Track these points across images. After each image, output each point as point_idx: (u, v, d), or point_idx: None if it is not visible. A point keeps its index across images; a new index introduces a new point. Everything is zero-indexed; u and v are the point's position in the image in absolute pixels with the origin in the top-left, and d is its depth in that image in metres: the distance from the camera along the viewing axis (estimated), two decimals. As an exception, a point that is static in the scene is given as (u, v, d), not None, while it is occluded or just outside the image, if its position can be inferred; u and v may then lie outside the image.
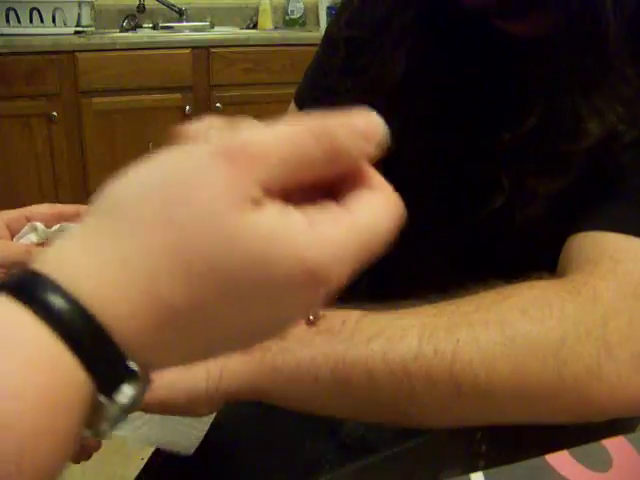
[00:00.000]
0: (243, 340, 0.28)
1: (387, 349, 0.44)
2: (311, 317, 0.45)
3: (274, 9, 2.91)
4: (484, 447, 0.58)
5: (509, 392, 0.43)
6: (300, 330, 0.45)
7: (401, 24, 0.62)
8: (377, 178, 0.28)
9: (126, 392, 0.24)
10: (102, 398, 0.23)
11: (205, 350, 0.27)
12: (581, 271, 0.47)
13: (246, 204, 0.24)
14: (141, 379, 0.24)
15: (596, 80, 0.49)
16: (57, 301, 0.22)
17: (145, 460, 0.76)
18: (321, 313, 0.45)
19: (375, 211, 0.26)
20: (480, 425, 0.54)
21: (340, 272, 0.25)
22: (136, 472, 0.76)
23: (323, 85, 0.75)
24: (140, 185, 0.25)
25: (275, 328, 0.28)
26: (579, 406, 0.44)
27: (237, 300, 0.24)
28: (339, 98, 0.69)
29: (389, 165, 0.71)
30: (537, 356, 0.42)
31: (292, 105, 0.80)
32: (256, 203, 0.24)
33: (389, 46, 0.63)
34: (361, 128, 0.26)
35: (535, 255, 0.47)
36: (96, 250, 0.24)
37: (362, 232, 0.26)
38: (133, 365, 0.24)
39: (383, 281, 0.68)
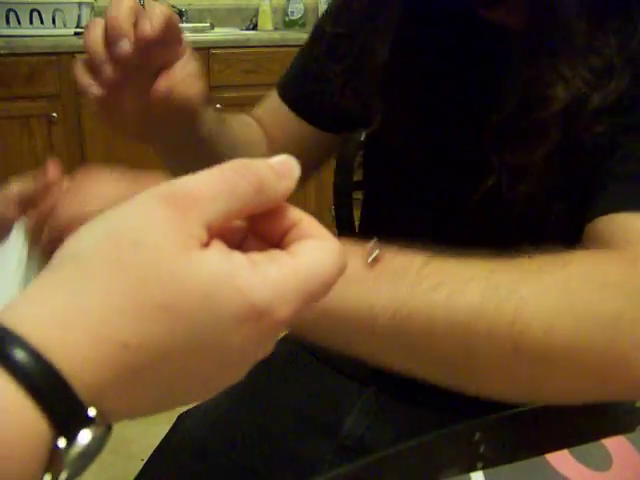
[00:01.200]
0: (205, 385, 0.30)
1: (450, 301, 0.43)
2: (371, 257, 0.44)
3: (274, 10, 2.91)
4: (483, 447, 0.58)
5: (564, 358, 0.42)
6: (361, 269, 0.44)
7: (386, 14, 0.64)
8: (322, 230, 0.29)
9: (85, 437, 0.25)
10: (61, 443, 0.24)
11: (167, 396, 0.28)
12: (628, 248, 0.47)
13: (192, 244, 0.25)
14: (100, 425, 0.26)
15: (560, 49, 0.53)
16: (19, 354, 0.23)
17: (145, 460, 0.76)
18: (383, 253, 0.44)
19: (318, 256, 0.28)
20: (520, 402, 0.56)
21: (284, 310, 0.26)
22: (136, 473, 0.76)
23: (309, 73, 0.75)
24: (93, 234, 0.27)
25: (234, 370, 0.30)
26: (628, 380, 0.44)
27: (190, 339, 0.26)
28: (325, 85, 0.70)
29: (379, 149, 0.71)
30: (595, 325, 0.42)
31: (274, 94, 0.80)
32: (201, 243, 0.26)
33: (375, 34, 0.65)
34: (278, 164, 0.29)
35: (529, 234, 0.47)
36: (52, 300, 0.25)
37: (304, 274, 0.27)
38: (92, 411, 0.25)
39: None
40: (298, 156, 0.31)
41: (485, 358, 0.44)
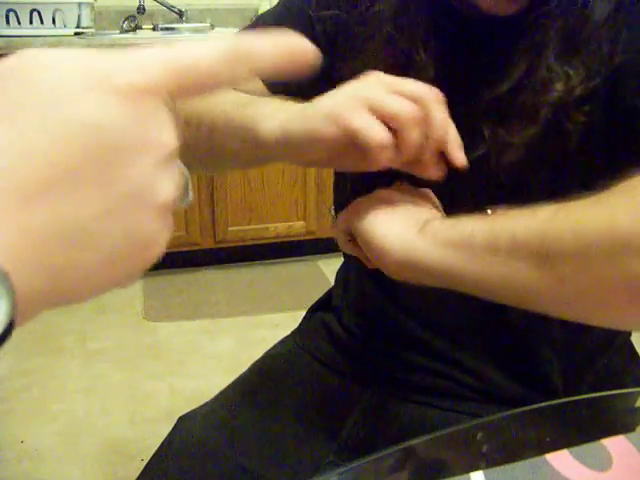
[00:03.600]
0: (112, 249, 0.27)
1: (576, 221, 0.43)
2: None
3: (274, 10, 2.91)
4: (484, 447, 0.58)
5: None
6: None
7: (407, 11, 0.65)
8: None
9: None
10: None
11: (80, 261, 0.26)
12: None
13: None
14: (9, 288, 0.23)
15: (571, 51, 0.58)
16: None
17: (146, 461, 0.76)
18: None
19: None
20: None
21: (136, 72, 0.26)
22: (136, 473, 0.75)
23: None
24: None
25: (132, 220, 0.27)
26: None
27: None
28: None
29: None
30: (628, 210, 0.41)
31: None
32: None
33: (368, 19, 0.67)
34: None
35: (517, 200, 0.49)
36: None
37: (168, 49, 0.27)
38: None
39: None
40: None
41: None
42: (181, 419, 0.78)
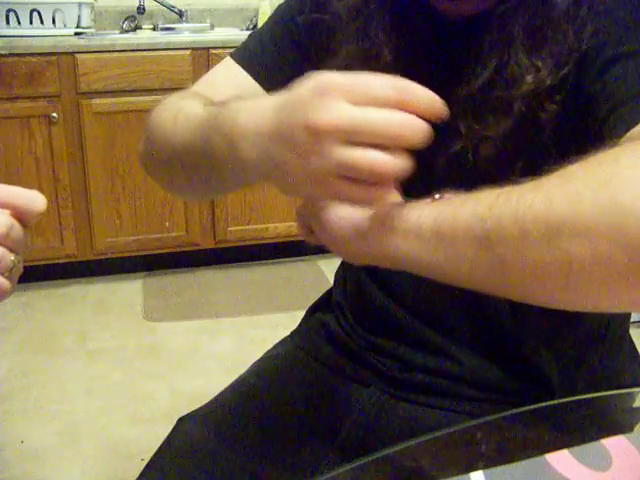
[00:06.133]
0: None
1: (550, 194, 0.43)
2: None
3: (274, 10, 2.92)
4: (484, 447, 0.58)
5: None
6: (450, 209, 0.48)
7: (369, 9, 0.67)
8: None
9: None
10: None
11: None
12: None
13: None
14: None
15: (537, 43, 0.60)
16: None
17: (146, 461, 0.76)
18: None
19: None
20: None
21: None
22: (136, 473, 0.75)
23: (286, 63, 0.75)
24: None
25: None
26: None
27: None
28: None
29: None
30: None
31: (231, 63, 0.76)
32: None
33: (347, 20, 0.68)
34: None
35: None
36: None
37: None
38: None
39: None
40: None
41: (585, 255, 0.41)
42: (181, 420, 0.78)
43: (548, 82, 0.60)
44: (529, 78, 0.60)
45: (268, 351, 0.87)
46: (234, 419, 0.76)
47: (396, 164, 0.45)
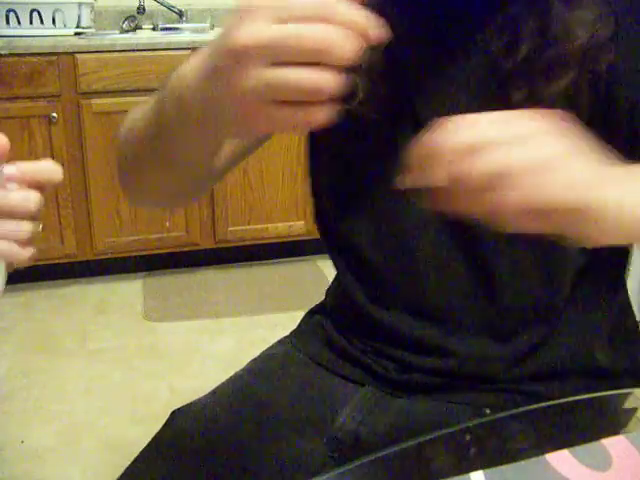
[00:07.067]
0: None
1: None
2: None
3: (274, 10, 2.91)
4: (485, 447, 0.58)
5: None
6: None
7: None
8: None
9: None
10: None
11: None
12: None
13: None
14: None
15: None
16: None
17: (136, 456, 0.76)
18: None
19: None
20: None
21: None
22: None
23: None
24: None
25: None
26: None
27: None
28: None
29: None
30: None
31: None
32: None
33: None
34: None
35: None
36: None
37: None
38: None
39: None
40: None
41: None
42: (174, 413, 0.78)
43: (601, 33, 0.59)
44: (580, 33, 0.59)
45: (265, 350, 0.87)
46: (227, 415, 0.76)
47: (326, 79, 0.43)
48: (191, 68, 0.50)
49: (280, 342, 0.87)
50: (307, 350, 0.82)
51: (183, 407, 0.79)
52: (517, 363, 0.71)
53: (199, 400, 0.80)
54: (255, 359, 0.85)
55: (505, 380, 0.71)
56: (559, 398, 0.64)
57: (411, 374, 0.73)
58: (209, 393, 0.81)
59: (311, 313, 0.88)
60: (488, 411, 0.69)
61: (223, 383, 0.82)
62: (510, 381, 0.71)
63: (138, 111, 0.64)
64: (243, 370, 0.84)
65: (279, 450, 0.72)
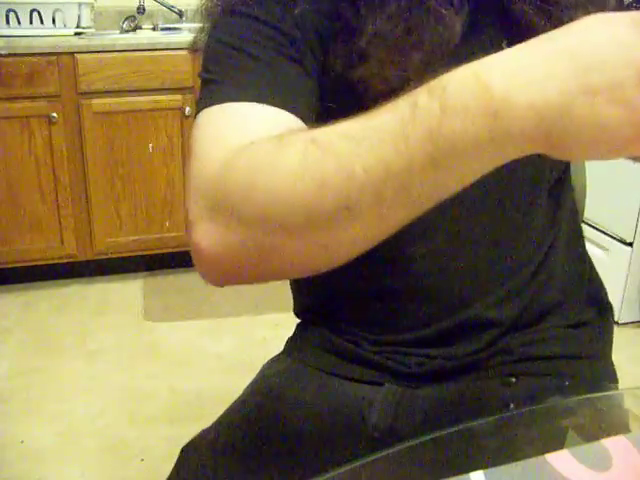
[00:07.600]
0: None
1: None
2: None
3: (274, 10, 2.91)
4: (484, 447, 0.58)
5: None
6: None
7: None
8: None
9: None
10: None
11: None
12: None
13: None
14: None
15: None
16: None
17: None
18: None
19: None
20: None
21: None
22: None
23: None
24: None
25: None
26: None
27: None
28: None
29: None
30: None
31: (233, 108, 0.56)
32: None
33: None
34: None
35: None
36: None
37: None
38: None
39: None
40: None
41: None
42: (184, 451, 0.74)
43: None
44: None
45: (262, 370, 0.82)
46: (243, 443, 0.72)
47: None
48: (514, 84, 0.40)
49: (276, 359, 0.83)
50: (310, 361, 0.78)
51: (191, 442, 0.75)
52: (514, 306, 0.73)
53: (205, 433, 0.75)
54: (255, 381, 0.81)
55: (517, 344, 0.73)
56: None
57: (433, 365, 0.72)
58: (214, 424, 0.76)
59: (303, 323, 0.84)
60: (512, 406, 0.69)
61: (227, 411, 0.77)
62: (522, 345, 0.72)
63: (279, 150, 0.48)
64: (245, 394, 0.79)
65: (314, 466, 0.66)
